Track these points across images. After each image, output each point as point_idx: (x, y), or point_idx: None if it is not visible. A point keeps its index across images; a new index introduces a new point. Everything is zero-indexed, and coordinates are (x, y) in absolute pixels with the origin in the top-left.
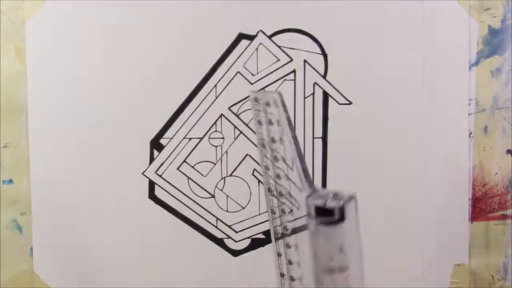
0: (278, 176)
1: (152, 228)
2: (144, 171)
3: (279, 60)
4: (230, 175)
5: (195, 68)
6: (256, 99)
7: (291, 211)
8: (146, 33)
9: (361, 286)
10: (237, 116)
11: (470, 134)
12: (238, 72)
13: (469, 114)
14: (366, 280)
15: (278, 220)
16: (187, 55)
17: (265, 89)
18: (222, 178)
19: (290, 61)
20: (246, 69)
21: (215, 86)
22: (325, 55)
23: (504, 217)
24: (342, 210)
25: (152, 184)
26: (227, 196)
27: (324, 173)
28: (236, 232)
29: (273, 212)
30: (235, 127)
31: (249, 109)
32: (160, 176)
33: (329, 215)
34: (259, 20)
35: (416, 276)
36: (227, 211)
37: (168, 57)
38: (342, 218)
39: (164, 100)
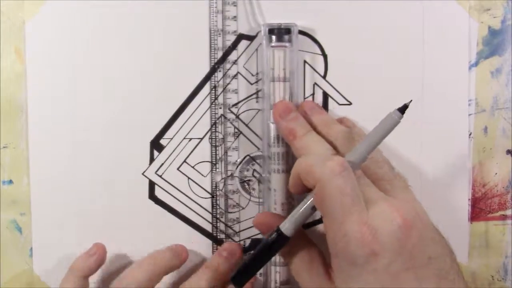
0: None
1: (152, 229)
2: (144, 172)
3: None
4: (230, 175)
5: (195, 69)
6: None
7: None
8: (146, 33)
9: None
10: (237, 116)
11: (470, 134)
12: (238, 72)
13: (469, 115)
14: None
15: None
16: (187, 55)
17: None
18: (222, 179)
19: None
20: (246, 69)
21: (215, 86)
22: (325, 56)
23: (504, 217)
24: (289, 31)
25: (152, 185)
26: (227, 196)
27: None
28: (236, 232)
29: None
30: (235, 127)
31: (249, 109)
32: (160, 176)
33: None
34: (259, 21)
35: None
36: (227, 211)
37: (168, 57)
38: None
39: (164, 101)
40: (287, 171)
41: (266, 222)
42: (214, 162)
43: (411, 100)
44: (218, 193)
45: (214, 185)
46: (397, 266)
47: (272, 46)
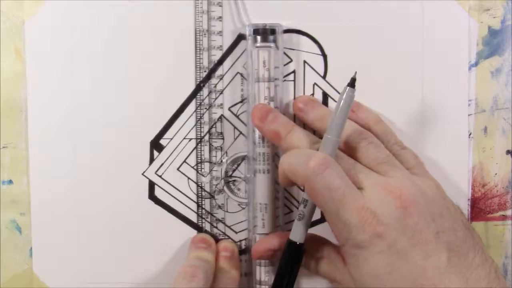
0: None
1: (152, 229)
2: (144, 172)
3: None
4: (230, 175)
5: (195, 69)
6: None
7: None
8: (146, 33)
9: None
10: (237, 116)
11: (469, 134)
12: (238, 72)
13: (468, 115)
14: None
15: None
16: (187, 55)
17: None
18: (222, 179)
19: (289, 62)
20: (246, 69)
21: (215, 86)
22: (324, 56)
23: (504, 217)
24: (274, 31)
25: (152, 185)
26: (227, 196)
27: None
28: (236, 232)
29: None
30: (235, 127)
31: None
32: (160, 176)
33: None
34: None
35: None
36: (227, 211)
37: (168, 57)
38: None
39: (164, 101)
40: (273, 171)
41: (265, 247)
42: (214, 163)
43: (356, 72)
44: (218, 194)
45: (215, 185)
46: (402, 244)
47: (257, 47)
